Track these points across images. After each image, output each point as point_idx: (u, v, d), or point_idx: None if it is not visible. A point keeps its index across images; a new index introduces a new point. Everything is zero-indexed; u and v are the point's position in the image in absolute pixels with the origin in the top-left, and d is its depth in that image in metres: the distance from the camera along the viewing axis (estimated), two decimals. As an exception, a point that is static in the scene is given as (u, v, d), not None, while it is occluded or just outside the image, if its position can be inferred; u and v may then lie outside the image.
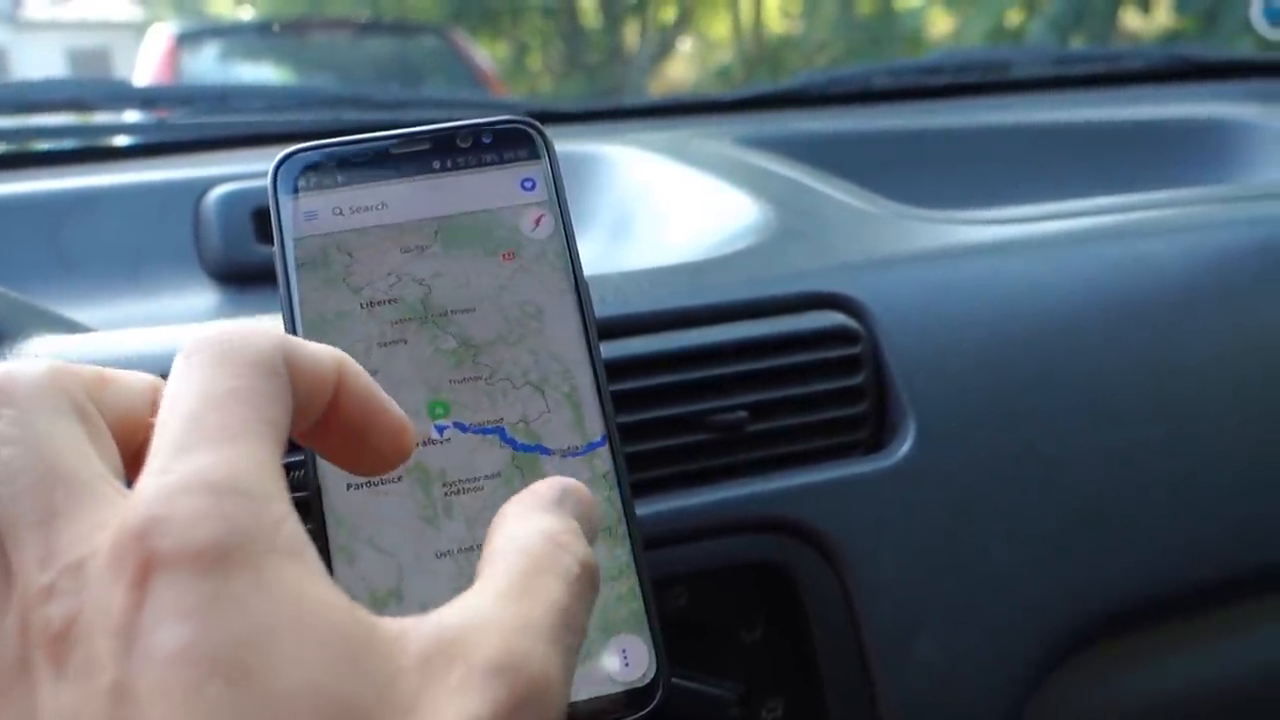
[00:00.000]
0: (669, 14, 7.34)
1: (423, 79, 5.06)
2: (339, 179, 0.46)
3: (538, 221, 0.46)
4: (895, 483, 0.56)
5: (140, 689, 0.21)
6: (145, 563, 0.22)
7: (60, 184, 0.83)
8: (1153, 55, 1.22)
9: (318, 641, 0.22)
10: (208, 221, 0.81)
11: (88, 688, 0.21)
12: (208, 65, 4.71)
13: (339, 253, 0.44)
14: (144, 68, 4.47)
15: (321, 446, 0.31)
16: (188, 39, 4.66)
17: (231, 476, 0.23)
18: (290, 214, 0.45)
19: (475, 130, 0.47)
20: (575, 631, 0.26)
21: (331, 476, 0.38)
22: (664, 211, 0.78)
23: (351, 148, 0.46)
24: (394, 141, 0.47)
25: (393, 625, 0.24)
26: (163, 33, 4.63)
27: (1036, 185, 0.97)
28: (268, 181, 0.45)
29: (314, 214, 0.45)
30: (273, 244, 0.85)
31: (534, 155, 0.47)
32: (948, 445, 0.57)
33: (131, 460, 0.29)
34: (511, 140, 0.47)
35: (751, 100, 1.14)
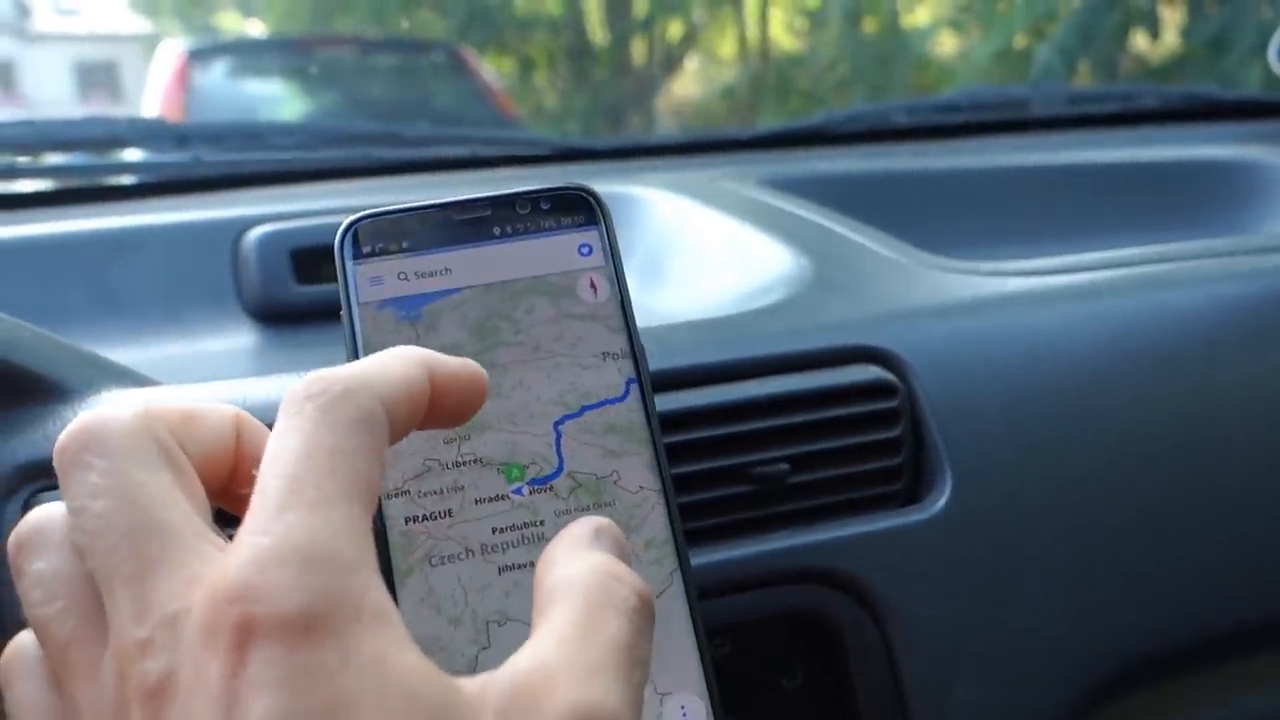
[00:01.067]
0: (675, 32, 7.39)
1: (431, 95, 5.08)
2: (403, 244, 0.47)
3: (594, 285, 0.47)
4: (933, 533, 0.57)
5: None
6: (241, 631, 0.23)
7: (100, 223, 0.85)
8: (1168, 94, 1.24)
9: (401, 709, 0.23)
10: (247, 261, 0.83)
11: None
12: (217, 81, 4.72)
13: (404, 317, 0.46)
14: (154, 83, 4.49)
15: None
16: (198, 56, 4.68)
17: (323, 544, 0.24)
18: (356, 279, 0.47)
19: (534, 197, 0.49)
20: (640, 665, 0.27)
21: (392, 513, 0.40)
22: (696, 257, 0.80)
23: (415, 214, 0.48)
24: (456, 208, 0.48)
25: (470, 685, 0.25)
26: (173, 49, 4.65)
27: (1055, 227, 0.99)
28: (335, 246, 0.47)
29: (380, 279, 0.47)
30: (311, 284, 0.87)
31: (591, 221, 0.49)
32: (983, 496, 0.59)
33: (218, 492, 0.31)
34: (569, 206, 0.49)
35: (773, 138, 1.16)
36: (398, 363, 0.31)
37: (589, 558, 0.29)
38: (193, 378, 0.58)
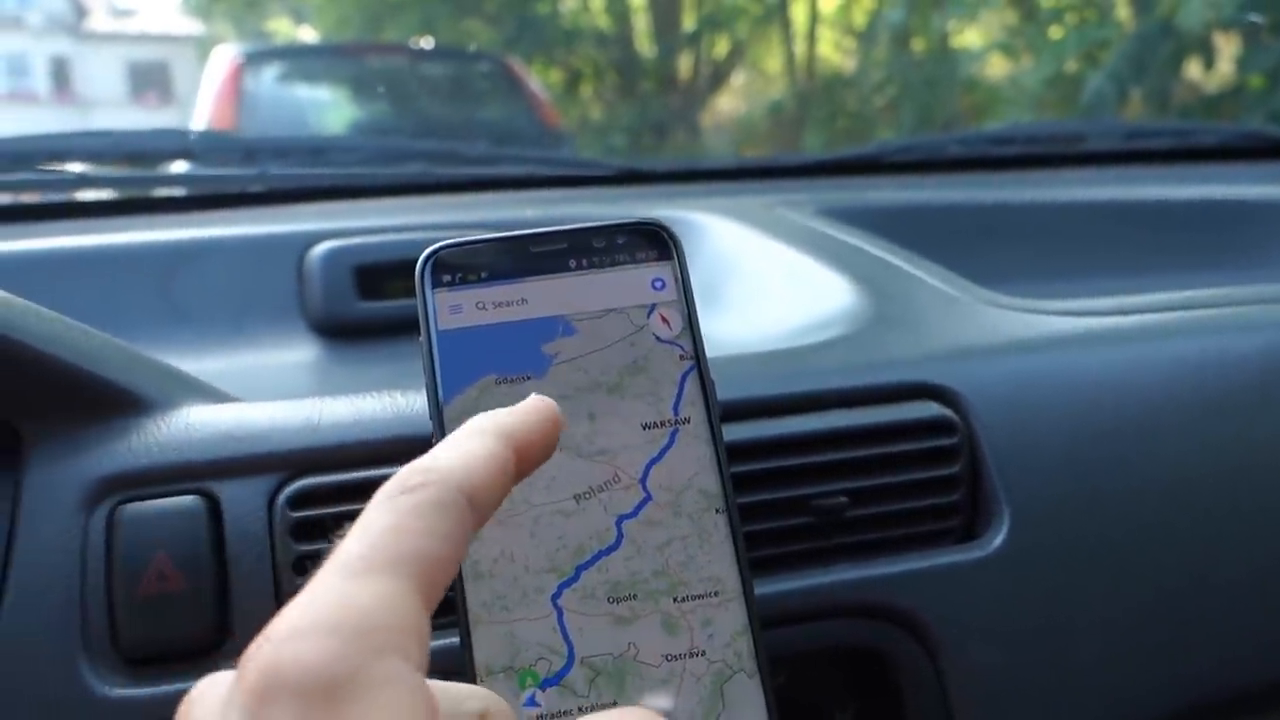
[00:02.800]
0: (722, 48, 7.40)
1: (479, 104, 5.11)
2: (481, 274, 0.49)
3: (666, 320, 0.48)
4: (989, 572, 0.58)
5: None
6: (258, 693, 0.24)
7: (169, 235, 0.87)
8: (1226, 132, 1.23)
9: None
10: (311, 276, 0.85)
11: None
12: (269, 86, 4.78)
13: (482, 345, 0.47)
14: (207, 86, 4.55)
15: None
16: (251, 60, 4.74)
17: (351, 612, 0.25)
18: (436, 307, 0.48)
19: (610, 231, 0.50)
20: None
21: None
22: (754, 285, 0.81)
23: (494, 245, 0.49)
24: (534, 240, 0.50)
25: None
26: (226, 54, 4.72)
27: (1109, 263, 0.99)
28: (416, 275, 0.48)
29: (459, 308, 0.48)
30: (374, 300, 0.88)
31: (664, 256, 0.50)
32: (1039, 535, 0.59)
33: None
34: (644, 240, 0.50)
35: (826, 165, 1.17)
36: (475, 440, 0.32)
37: None
38: (258, 390, 0.59)
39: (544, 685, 0.38)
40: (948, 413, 0.61)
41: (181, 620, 0.49)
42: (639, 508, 0.42)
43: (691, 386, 0.45)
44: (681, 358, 0.46)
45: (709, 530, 0.42)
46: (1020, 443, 0.61)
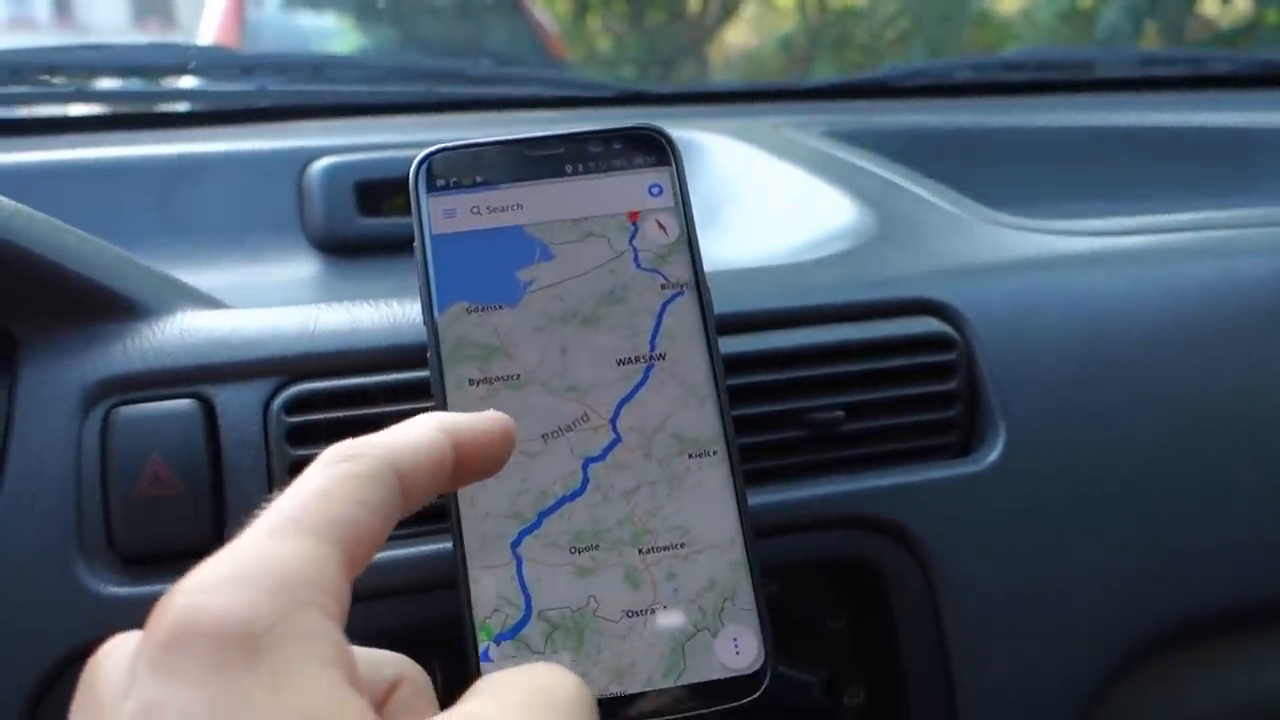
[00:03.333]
0: (732, -22, 7.27)
1: (483, 33, 5.04)
2: (477, 179, 0.48)
3: (663, 226, 0.48)
4: (983, 486, 0.58)
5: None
6: (175, 629, 0.23)
7: (169, 149, 0.86)
8: (1240, 60, 1.21)
9: None
10: (311, 192, 0.84)
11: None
12: (272, 13, 4.72)
13: (476, 249, 0.47)
14: (209, 12, 4.48)
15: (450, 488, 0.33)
16: (252, -12, 4.66)
17: (274, 565, 0.25)
18: (430, 211, 0.47)
19: (607, 136, 0.49)
20: None
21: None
22: (758, 204, 0.80)
23: (489, 149, 0.49)
24: (530, 144, 0.49)
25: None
26: (227, -19, 4.64)
27: (1117, 188, 0.98)
28: (409, 178, 0.48)
29: (453, 212, 0.47)
30: (374, 217, 0.87)
31: (662, 161, 0.49)
32: (1035, 452, 0.59)
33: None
34: (641, 146, 0.49)
35: (834, 89, 1.15)
36: (419, 429, 0.31)
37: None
38: (259, 302, 0.59)
39: (499, 639, 0.38)
40: (946, 328, 0.60)
41: (176, 522, 0.49)
42: (607, 450, 0.41)
43: (670, 320, 0.44)
44: (662, 287, 0.45)
45: (679, 476, 0.41)
46: (1019, 360, 0.61)
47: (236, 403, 0.51)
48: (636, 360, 0.42)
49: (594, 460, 0.40)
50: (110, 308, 0.53)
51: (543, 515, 0.39)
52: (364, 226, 0.83)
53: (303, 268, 0.83)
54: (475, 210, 0.47)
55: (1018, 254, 0.67)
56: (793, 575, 0.58)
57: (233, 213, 0.84)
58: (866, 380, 0.58)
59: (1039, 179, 0.97)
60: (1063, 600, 0.59)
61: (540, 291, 0.44)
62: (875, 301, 0.60)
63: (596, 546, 0.39)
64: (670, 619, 0.39)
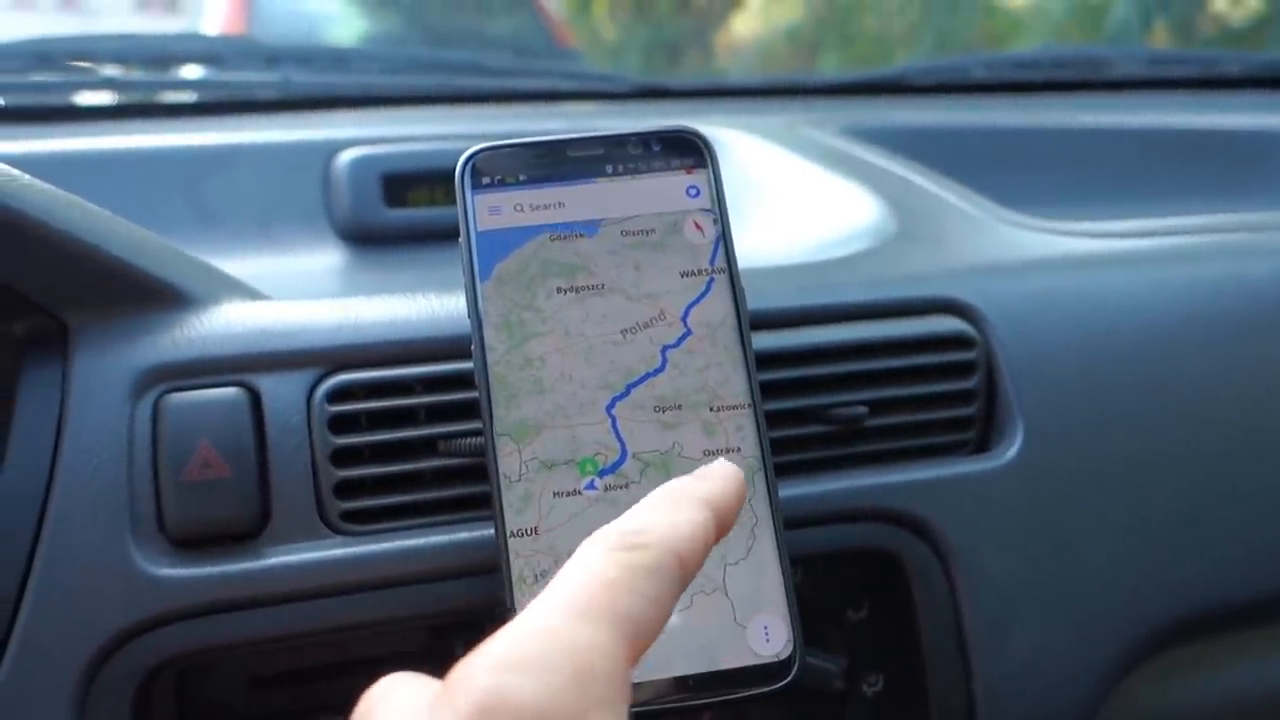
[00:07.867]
0: (739, -33, 7.25)
1: (489, 17, 5.03)
2: (520, 177, 0.50)
3: (699, 226, 0.50)
4: (1002, 482, 0.60)
5: None
6: (482, 709, 0.24)
7: (196, 139, 0.87)
8: (1252, 61, 1.22)
9: None
10: (338, 183, 0.85)
11: None
12: (277, -1, 4.70)
13: (520, 246, 0.48)
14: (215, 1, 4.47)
15: None
16: (260, -30, 4.64)
17: (573, 655, 0.25)
18: (476, 208, 0.49)
19: (646, 138, 0.51)
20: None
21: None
22: (778, 201, 0.82)
23: (532, 149, 0.50)
24: (571, 144, 0.51)
25: None
26: (236, -38, 4.63)
27: (1130, 189, 0.99)
28: (455, 176, 0.49)
29: (498, 209, 0.49)
30: (399, 208, 0.89)
31: (700, 164, 0.51)
32: (1051, 449, 0.61)
33: None
34: (679, 148, 0.51)
35: (850, 85, 1.16)
36: (692, 514, 0.32)
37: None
38: (289, 292, 0.61)
39: (602, 473, 0.44)
40: (966, 327, 0.62)
41: (225, 505, 0.50)
42: (681, 339, 0.47)
43: (722, 251, 0.49)
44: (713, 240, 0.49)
45: (739, 358, 0.47)
46: (1036, 359, 0.63)
47: (281, 391, 0.53)
48: (700, 273, 0.48)
49: (670, 347, 0.46)
50: (160, 297, 0.54)
51: (630, 386, 0.46)
52: (390, 218, 0.84)
53: (329, 258, 0.84)
54: (518, 208, 0.49)
55: (1036, 254, 0.69)
56: (816, 566, 0.60)
57: (259, 203, 0.85)
58: (889, 377, 0.60)
59: (1052, 179, 0.98)
60: (1079, 592, 0.61)
61: (612, 224, 0.48)
62: (897, 300, 0.62)
63: (679, 407, 0.45)
64: (742, 457, 0.46)
